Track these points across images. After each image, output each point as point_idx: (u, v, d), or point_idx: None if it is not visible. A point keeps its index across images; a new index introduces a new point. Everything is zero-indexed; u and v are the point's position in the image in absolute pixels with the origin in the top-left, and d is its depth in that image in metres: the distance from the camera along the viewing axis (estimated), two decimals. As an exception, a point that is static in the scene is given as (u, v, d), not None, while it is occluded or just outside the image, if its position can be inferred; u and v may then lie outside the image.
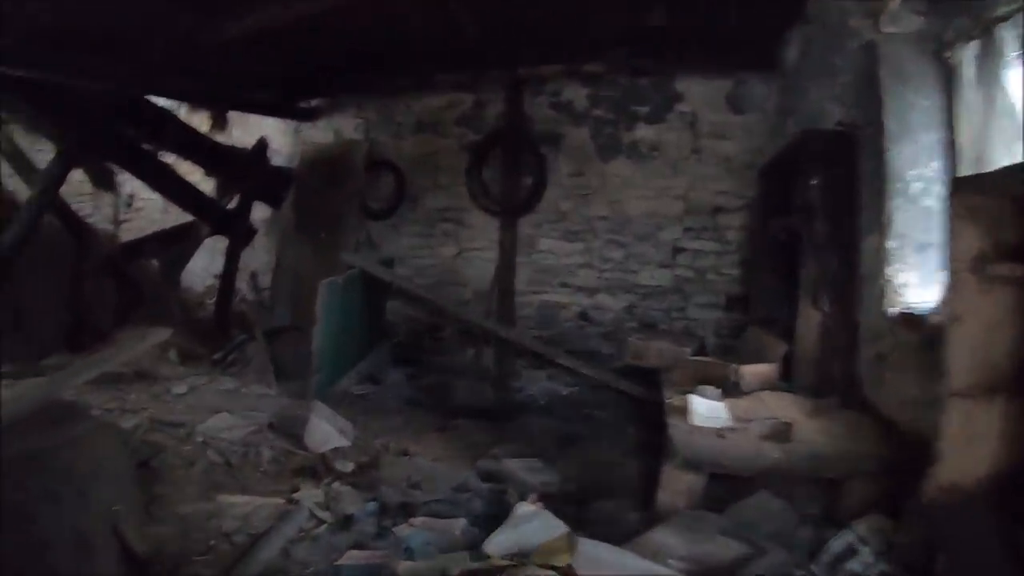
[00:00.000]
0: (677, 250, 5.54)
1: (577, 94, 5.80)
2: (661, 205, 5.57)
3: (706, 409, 3.14)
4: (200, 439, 3.70)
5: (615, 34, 5.08)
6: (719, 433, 2.94)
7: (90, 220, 7.72)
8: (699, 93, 5.46)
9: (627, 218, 5.65)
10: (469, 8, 4.53)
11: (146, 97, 5.77)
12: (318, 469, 3.46)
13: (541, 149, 5.84)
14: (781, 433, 2.85)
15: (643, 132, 5.62)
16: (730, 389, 3.56)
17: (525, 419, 4.85)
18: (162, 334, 4.09)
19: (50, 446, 2.27)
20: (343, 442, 3.81)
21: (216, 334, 6.08)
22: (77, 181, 6.48)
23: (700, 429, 3.00)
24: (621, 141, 5.69)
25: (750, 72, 5.29)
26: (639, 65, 5.49)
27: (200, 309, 6.76)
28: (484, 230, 6.07)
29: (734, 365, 3.77)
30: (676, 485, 2.72)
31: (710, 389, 3.41)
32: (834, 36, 3.73)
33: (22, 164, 5.68)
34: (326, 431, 3.81)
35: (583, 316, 5.81)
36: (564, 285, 5.86)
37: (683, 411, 3.16)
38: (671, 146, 5.55)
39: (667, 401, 3.45)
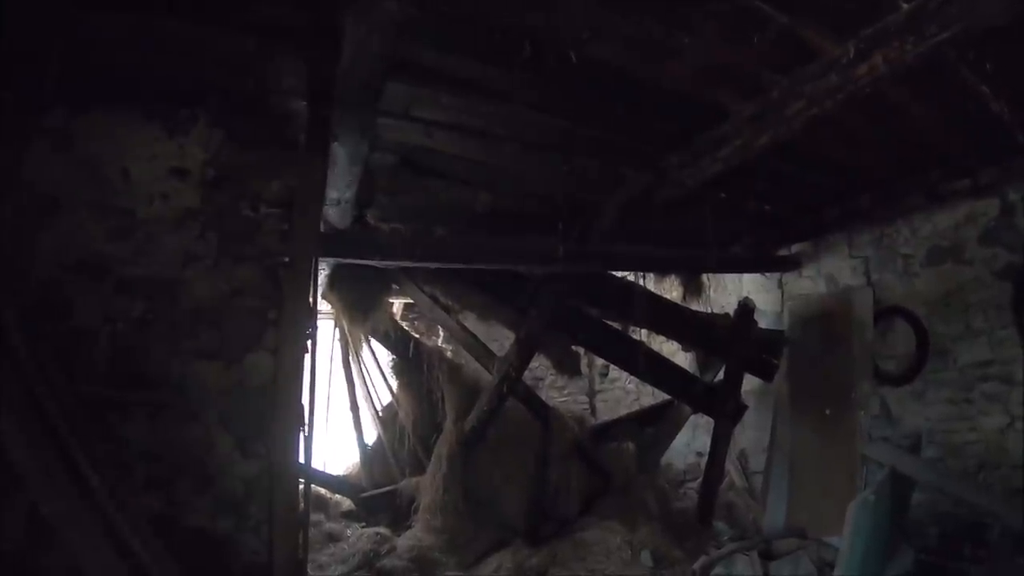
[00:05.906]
0: None
1: None
2: None
3: None
4: None
5: None
6: None
7: (565, 392, 8.02)
8: None
9: None
10: (999, 78, 3.04)
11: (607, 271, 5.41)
12: None
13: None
14: None
15: None
16: None
17: None
18: None
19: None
20: None
21: (697, 530, 5.29)
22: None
23: None
24: None
25: None
26: None
27: (678, 496, 6.10)
28: (1045, 389, 3.96)
29: None
30: None
31: None
32: None
33: (479, 351, 5.45)
34: None
35: None
36: None
37: None
38: None
39: None
